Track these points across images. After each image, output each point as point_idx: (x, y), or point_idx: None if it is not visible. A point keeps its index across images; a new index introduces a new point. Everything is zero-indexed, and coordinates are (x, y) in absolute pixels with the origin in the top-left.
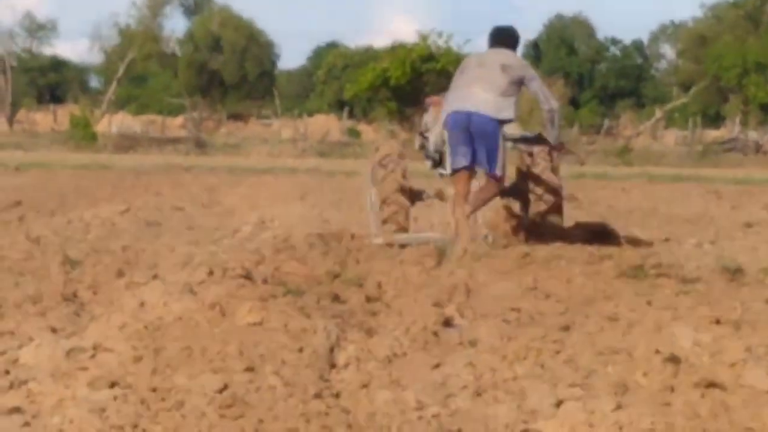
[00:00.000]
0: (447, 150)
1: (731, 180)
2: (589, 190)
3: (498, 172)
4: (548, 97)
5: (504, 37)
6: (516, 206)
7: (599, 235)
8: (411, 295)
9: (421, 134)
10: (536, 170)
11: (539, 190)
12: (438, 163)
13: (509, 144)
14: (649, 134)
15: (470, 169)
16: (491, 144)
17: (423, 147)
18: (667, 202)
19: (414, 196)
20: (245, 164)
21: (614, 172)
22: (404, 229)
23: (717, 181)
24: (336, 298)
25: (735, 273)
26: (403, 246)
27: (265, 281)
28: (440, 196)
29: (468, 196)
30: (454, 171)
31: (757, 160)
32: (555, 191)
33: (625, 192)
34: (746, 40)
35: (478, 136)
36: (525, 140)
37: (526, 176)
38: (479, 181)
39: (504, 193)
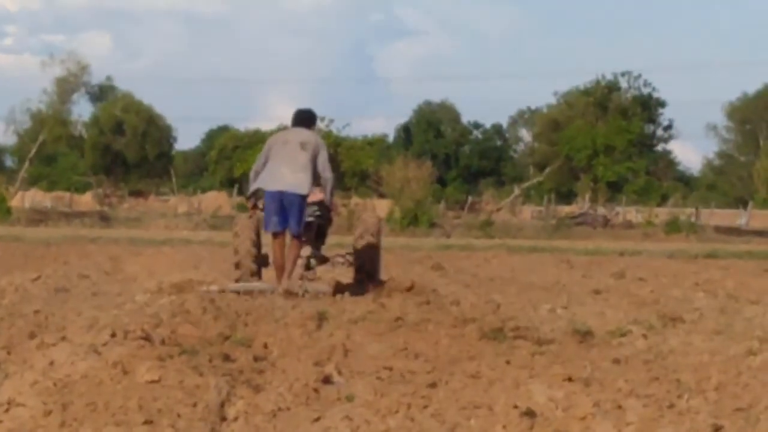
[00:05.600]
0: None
1: (582, 251)
2: (455, 260)
3: (301, 232)
4: (327, 168)
5: (303, 118)
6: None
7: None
8: (294, 355)
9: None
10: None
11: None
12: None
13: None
14: (509, 209)
15: (281, 233)
16: (297, 214)
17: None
18: (524, 271)
19: (262, 260)
20: (145, 236)
21: (477, 243)
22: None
23: (569, 251)
24: (227, 358)
25: (585, 335)
26: (236, 293)
27: (162, 342)
28: None
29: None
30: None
31: (605, 232)
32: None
33: (487, 261)
34: (595, 125)
35: (287, 209)
36: (317, 206)
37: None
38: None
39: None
